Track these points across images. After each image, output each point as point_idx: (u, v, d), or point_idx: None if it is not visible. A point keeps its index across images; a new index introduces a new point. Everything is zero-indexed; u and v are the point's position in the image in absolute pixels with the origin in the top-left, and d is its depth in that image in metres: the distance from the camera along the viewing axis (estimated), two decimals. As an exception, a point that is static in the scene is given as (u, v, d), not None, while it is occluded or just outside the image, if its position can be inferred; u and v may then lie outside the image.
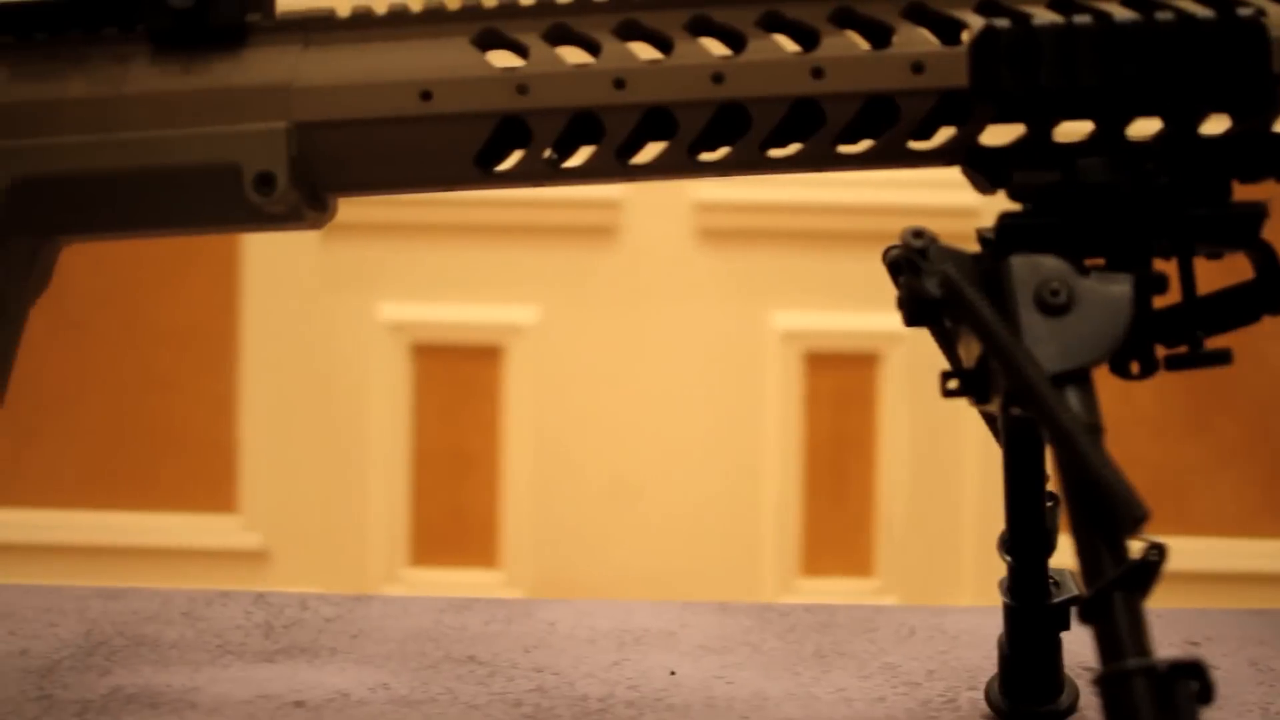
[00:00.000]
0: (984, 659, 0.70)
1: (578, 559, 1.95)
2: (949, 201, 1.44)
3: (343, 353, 1.97)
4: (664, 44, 0.52)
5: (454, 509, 1.97)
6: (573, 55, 0.52)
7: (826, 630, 0.80)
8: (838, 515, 2.01)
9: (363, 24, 0.53)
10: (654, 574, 1.93)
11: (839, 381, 1.99)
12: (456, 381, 1.96)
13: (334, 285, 1.96)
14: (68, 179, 0.54)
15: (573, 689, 0.67)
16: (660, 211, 1.94)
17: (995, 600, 0.63)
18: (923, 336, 0.53)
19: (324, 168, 0.53)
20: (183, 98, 0.53)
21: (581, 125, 0.52)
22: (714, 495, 1.96)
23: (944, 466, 1.96)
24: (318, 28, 0.54)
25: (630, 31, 0.52)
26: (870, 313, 1.87)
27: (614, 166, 0.53)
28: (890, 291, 0.50)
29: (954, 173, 0.53)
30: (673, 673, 0.71)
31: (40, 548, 1.97)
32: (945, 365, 0.50)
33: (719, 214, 1.94)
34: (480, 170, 0.53)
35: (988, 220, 0.50)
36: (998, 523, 0.62)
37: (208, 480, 1.98)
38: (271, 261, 1.97)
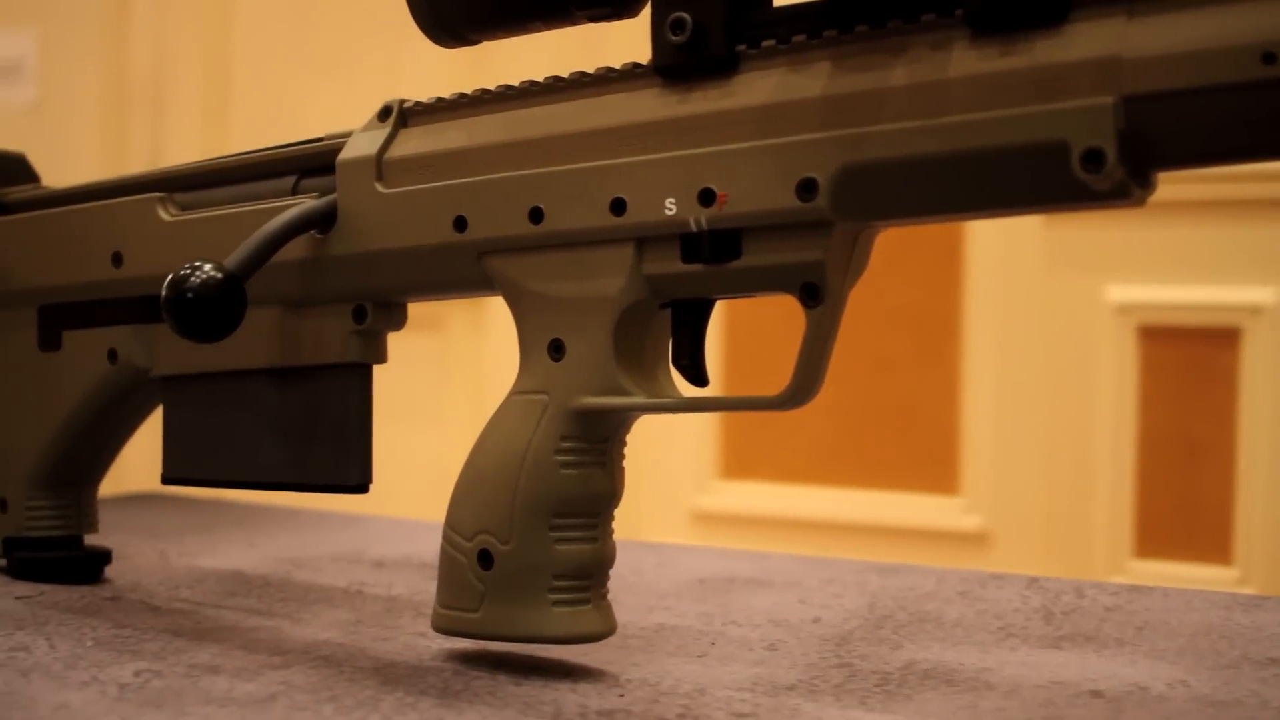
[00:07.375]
0: None
1: (1323, 558, 1.81)
2: None
3: (1067, 335, 1.93)
4: None
5: (1183, 500, 1.88)
6: None
7: None
8: None
9: None
10: None
11: None
12: (1188, 365, 1.87)
13: (1058, 266, 1.92)
14: (890, 165, 0.56)
15: (1398, 703, 0.61)
16: None
17: None
18: None
19: (1152, 141, 0.51)
20: (1005, 78, 0.53)
21: None
22: None
23: None
24: None
25: None
26: None
27: None
28: None
29: None
30: None
31: (778, 520, 2.08)
32: None
33: None
34: None
35: None
36: None
37: (932, 461, 2.01)
38: (995, 243, 1.97)
